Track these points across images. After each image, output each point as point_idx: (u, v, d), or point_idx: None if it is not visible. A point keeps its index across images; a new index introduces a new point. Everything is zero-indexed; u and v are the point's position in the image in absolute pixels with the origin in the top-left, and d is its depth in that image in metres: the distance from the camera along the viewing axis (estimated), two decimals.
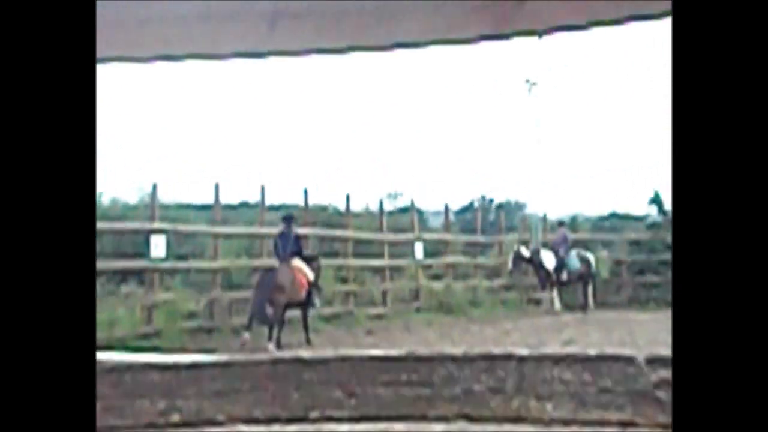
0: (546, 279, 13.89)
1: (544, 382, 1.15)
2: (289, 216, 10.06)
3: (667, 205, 15.71)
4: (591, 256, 14.25)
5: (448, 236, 15.16)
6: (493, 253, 15.57)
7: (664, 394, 1.09)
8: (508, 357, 1.19)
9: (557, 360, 1.16)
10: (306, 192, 12.38)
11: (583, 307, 13.64)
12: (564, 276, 13.86)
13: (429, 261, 14.04)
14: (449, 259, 14.50)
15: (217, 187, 10.81)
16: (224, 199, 11.40)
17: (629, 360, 1.13)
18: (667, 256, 14.98)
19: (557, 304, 13.71)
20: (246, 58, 1.19)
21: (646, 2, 1.07)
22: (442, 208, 15.97)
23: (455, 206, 19.86)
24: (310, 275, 9.65)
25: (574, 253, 14.06)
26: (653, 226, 15.55)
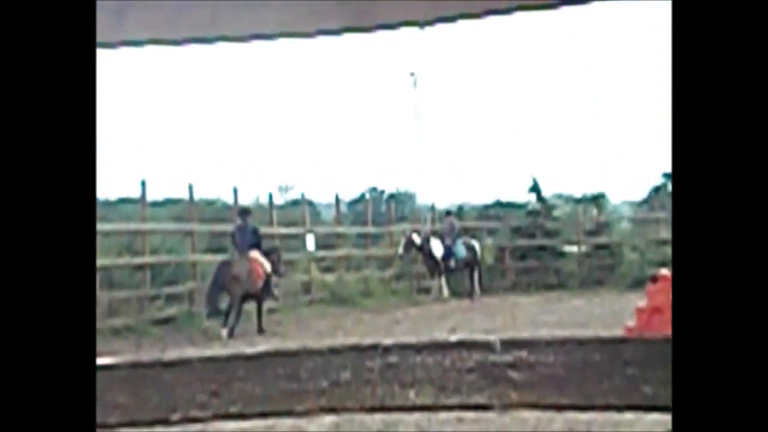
0: (434, 267, 14.27)
1: (408, 370, 1.18)
2: (245, 210, 10.67)
3: (545, 192, 16.58)
4: (476, 244, 14.77)
5: (339, 228, 15.19)
6: (384, 243, 15.78)
7: (518, 375, 1.15)
8: (374, 347, 1.21)
9: (420, 348, 1.20)
10: (191, 186, 11.99)
11: (470, 294, 14.13)
12: (452, 264, 14.29)
13: (321, 253, 14.02)
14: (341, 251, 14.55)
15: None
16: (102, 195, 10.83)
17: (486, 345, 1.18)
18: (546, 241, 15.81)
19: (445, 292, 14.12)
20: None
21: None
22: (333, 200, 15.98)
23: (347, 198, 19.94)
24: (267, 266, 10.03)
25: (460, 241, 14.53)
26: (532, 212, 16.35)
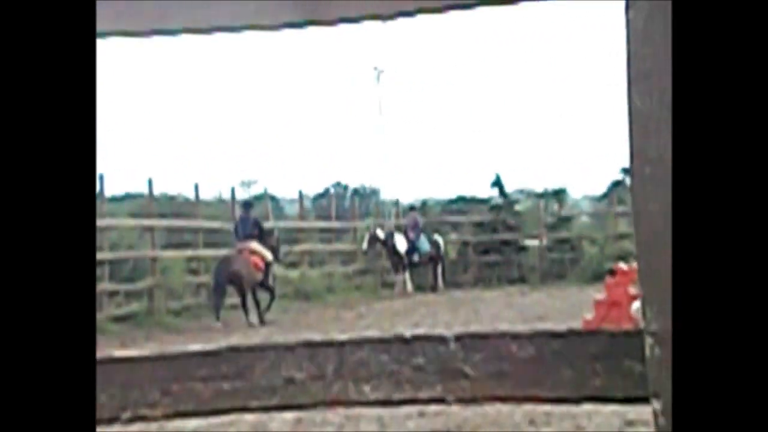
0: (399, 262, 14.32)
1: (363, 365, 1.18)
2: (247, 203, 11.69)
3: (507, 187, 16.75)
4: (440, 239, 14.87)
5: (303, 223, 15.13)
6: (348, 238, 15.78)
7: (471, 369, 1.16)
8: (329, 343, 1.20)
9: (375, 343, 1.20)
10: (150, 181, 11.80)
11: (434, 288, 14.23)
12: (415, 258, 14.37)
13: (284, 249, 13.95)
14: (305, 246, 14.49)
15: None
16: None
17: (441, 339, 1.19)
18: (508, 235, 16.00)
19: (409, 286, 14.19)
20: None
21: None
22: (296, 195, 15.91)
23: (310, 193, 19.86)
24: (268, 255, 10.71)
25: (424, 236, 14.61)
26: (495, 207, 16.51)
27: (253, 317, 10.19)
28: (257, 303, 10.44)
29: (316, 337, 1.26)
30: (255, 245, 10.64)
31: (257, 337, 8.63)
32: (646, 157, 0.98)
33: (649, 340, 0.99)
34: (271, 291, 10.72)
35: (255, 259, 10.51)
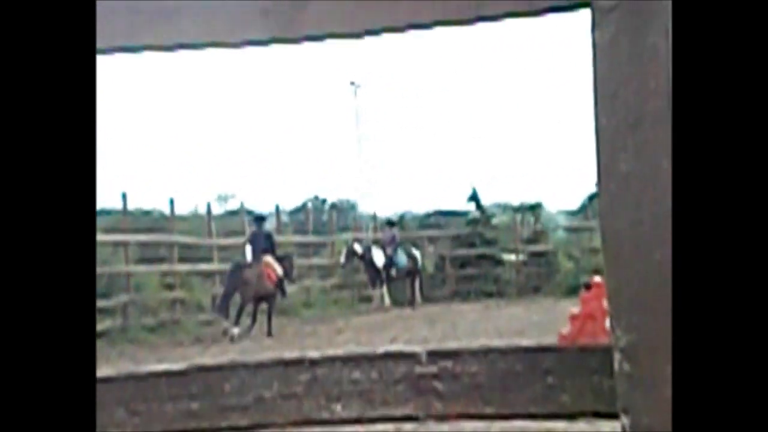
0: (376, 276, 14.30)
1: (335, 383, 1.17)
2: (260, 217, 11.77)
3: (484, 201, 16.85)
4: (417, 253, 14.88)
5: (280, 238, 15.05)
6: (326, 253, 15.73)
7: (442, 385, 1.16)
8: (300, 361, 1.20)
9: (347, 360, 1.19)
10: (124, 195, 11.68)
11: (411, 302, 14.21)
12: (393, 273, 14.35)
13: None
14: None
15: None
16: None
17: (413, 356, 1.19)
18: (485, 249, 16.06)
19: (387, 301, 14.16)
20: None
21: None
22: (273, 210, 15.84)
23: (287, 207, 19.81)
24: (279, 270, 10.97)
25: (401, 250, 14.61)
26: (472, 221, 16.59)
27: (234, 329, 10.11)
28: (254, 315, 10.46)
29: (288, 354, 1.25)
30: (269, 259, 10.95)
31: (233, 353, 8.54)
32: (613, 175, 0.99)
33: (617, 356, 0.99)
34: (269, 305, 10.77)
35: (268, 271, 10.82)
